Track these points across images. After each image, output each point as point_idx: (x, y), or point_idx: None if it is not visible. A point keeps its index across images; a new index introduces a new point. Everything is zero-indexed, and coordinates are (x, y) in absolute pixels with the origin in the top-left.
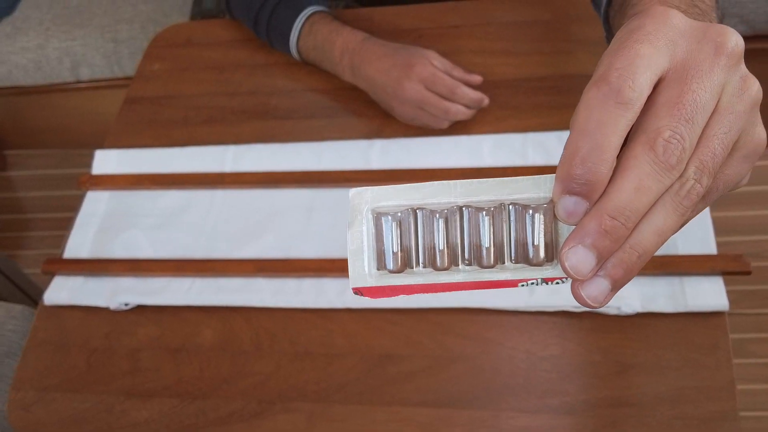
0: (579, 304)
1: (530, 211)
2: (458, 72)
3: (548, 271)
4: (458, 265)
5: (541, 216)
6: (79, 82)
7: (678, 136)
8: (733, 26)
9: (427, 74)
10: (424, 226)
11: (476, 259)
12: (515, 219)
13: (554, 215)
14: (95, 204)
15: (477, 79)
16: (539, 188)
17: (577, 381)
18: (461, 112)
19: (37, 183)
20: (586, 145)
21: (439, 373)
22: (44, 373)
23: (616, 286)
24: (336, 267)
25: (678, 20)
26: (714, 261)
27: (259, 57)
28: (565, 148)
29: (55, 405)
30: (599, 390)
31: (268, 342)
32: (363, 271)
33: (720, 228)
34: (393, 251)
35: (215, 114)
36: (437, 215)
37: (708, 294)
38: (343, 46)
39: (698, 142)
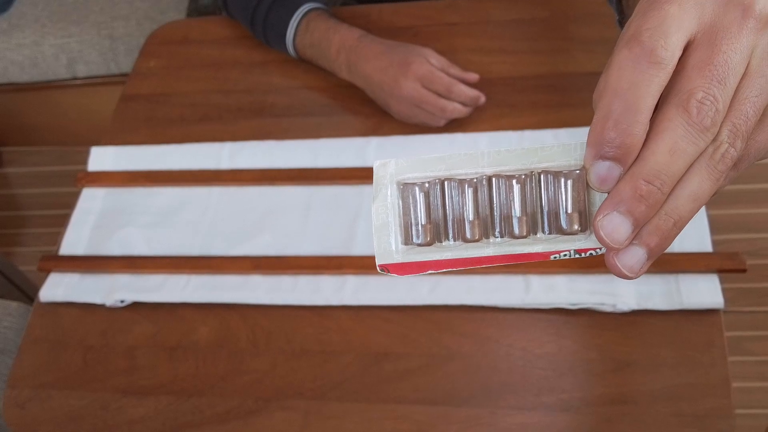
0: (574, 303)
1: (562, 179)
2: (455, 70)
3: (581, 242)
4: (489, 238)
5: (574, 183)
6: (75, 79)
7: (711, 98)
8: None
9: (424, 72)
10: (452, 197)
11: (508, 230)
12: (546, 188)
13: (586, 183)
14: (91, 201)
15: (473, 77)
16: (570, 155)
17: (573, 378)
18: (458, 110)
19: (34, 180)
20: (620, 107)
21: (435, 370)
22: (40, 371)
23: (652, 254)
24: (332, 264)
25: None
26: (710, 259)
27: (256, 55)
28: (596, 112)
29: (51, 402)
30: (595, 387)
31: (265, 340)
32: (390, 247)
33: (716, 226)
34: (421, 224)
35: (211, 111)
36: (466, 185)
37: (703, 292)
38: (339, 44)
39: (730, 105)
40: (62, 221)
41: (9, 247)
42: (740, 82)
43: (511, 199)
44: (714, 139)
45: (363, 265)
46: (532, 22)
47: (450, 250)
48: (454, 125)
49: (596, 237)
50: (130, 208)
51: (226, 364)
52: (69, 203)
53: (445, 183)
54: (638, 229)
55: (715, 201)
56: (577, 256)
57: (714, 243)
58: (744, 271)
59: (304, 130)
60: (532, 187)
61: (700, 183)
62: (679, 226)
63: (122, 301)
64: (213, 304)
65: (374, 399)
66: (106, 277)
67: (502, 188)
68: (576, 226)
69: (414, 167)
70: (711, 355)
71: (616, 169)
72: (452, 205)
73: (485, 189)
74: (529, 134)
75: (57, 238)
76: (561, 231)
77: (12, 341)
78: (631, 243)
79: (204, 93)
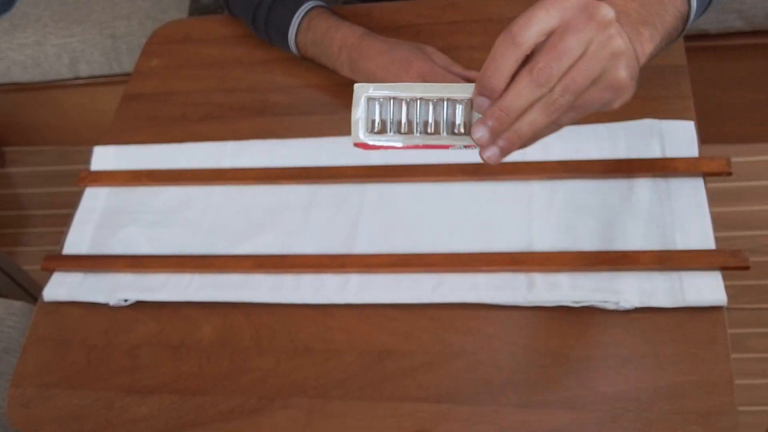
0: (578, 301)
1: (457, 104)
2: (457, 68)
3: (466, 140)
4: (414, 133)
5: (463, 107)
6: (77, 78)
7: (548, 67)
8: (732, 22)
9: (426, 70)
10: (394, 108)
11: (425, 129)
12: (448, 108)
13: (471, 107)
14: (94, 201)
15: (476, 75)
16: (465, 91)
17: (576, 376)
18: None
19: (36, 180)
20: (491, 68)
21: (438, 368)
22: (44, 370)
23: (503, 152)
24: (335, 263)
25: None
26: (712, 256)
27: (258, 53)
28: (482, 68)
29: (54, 401)
30: (598, 385)
31: (268, 338)
32: (358, 133)
33: (718, 223)
34: (376, 121)
35: (213, 110)
36: (403, 102)
37: (706, 289)
38: (341, 42)
39: (566, 74)
40: (65, 220)
41: (12, 246)
42: (579, 60)
43: (428, 112)
44: (550, 92)
45: (366, 263)
46: None
47: (392, 137)
48: None
49: (472, 138)
50: (132, 207)
51: (230, 362)
52: (72, 203)
53: (392, 100)
54: (495, 137)
55: (717, 198)
56: (463, 149)
57: (717, 240)
58: (747, 268)
59: (307, 129)
60: (441, 108)
61: (536, 116)
62: (521, 138)
63: (125, 301)
64: (216, 303)
65: (377, 397)
66: (109, 276)
67: (423, 106)
68: (463, 131)
69: (382, 88)
70: (714, 352)
71: (486, 101)
72: (394, 112)
73: (415, 105)
74: None
75: (60, 237)
76: (454, 134)
77: (16, 340)
78: (490, 143)
79: (206, 92)
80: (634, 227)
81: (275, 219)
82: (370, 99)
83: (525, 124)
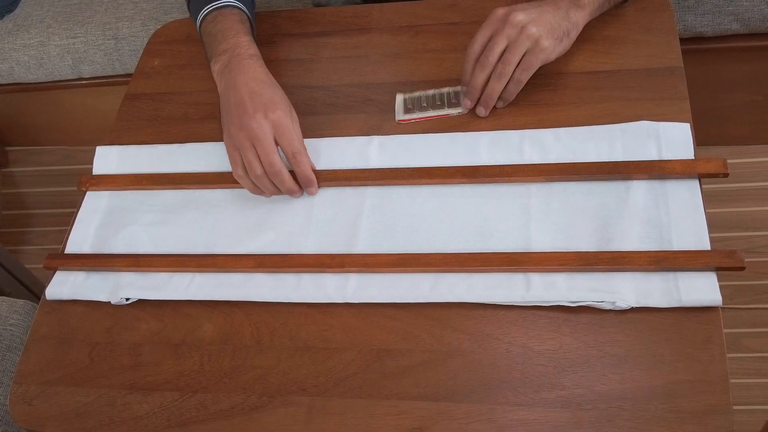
0: (575, 300)
1: (461, 92)
2: (303, 158)
3: (460, 110)
4: (428, 110)
5: (461, 91)
6: (80, 79)
7: (485, 57)
8: (728, 24)
9: (284, 124)
10: (422, 99)
11: (433, 104)
12: (455, 93)
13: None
14: (96, 200)
15: (307, 175)
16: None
17: (572, 375)
18: (285, 179)
19: (39, 179)
20: (464, 71)
21: (436, 367)
22: (46, 368)
23: (486, 107)
24: (335, 263)
25: (499, 13)
26: (708, 257)
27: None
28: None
29: (57, 399)
30: (594, 384)
31: (269, 337)
32: (401, 111)
33: (714, 224)
34: (408, 106)
35: (215, 110)
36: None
37: (702, 289)
38: (232, 45)
39: (502, 56)
40: (68, 220)
41: (15, 245)
42: (509, 47)
43: (434, 99)
44: (495, 67)
45: (365, 263)
46: None
47: (416, 113)
48: (455, 125)
49: (463, 106)
50: (135, 206)
51: (231, 360)
52: (74, 202)
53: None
54: (474, 103)
55: (713, 199)
56: (457, 114)
57: (712, 240)
58: (742, 268)
59: (307, 129)
60: (455, 92)
61: (493, 84)
62: (492, 98)
63: (127, 299)
64: (217, 302)
65: (376, 395)
66: (111, 275)
67: (447, 95)
68: (460, 102)
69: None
70: (709, 351)
71: (464, 87)
72: (419, 101)
73: (443, 93)
74: (529, 133)
75: (63, 236)
76: (453, 106)
77: (18, 338)
78: (473, 106)
79: (208, 92)
80: (630, 228)
81: (277, 219)
82: (405, 98)
83: (489, 90)
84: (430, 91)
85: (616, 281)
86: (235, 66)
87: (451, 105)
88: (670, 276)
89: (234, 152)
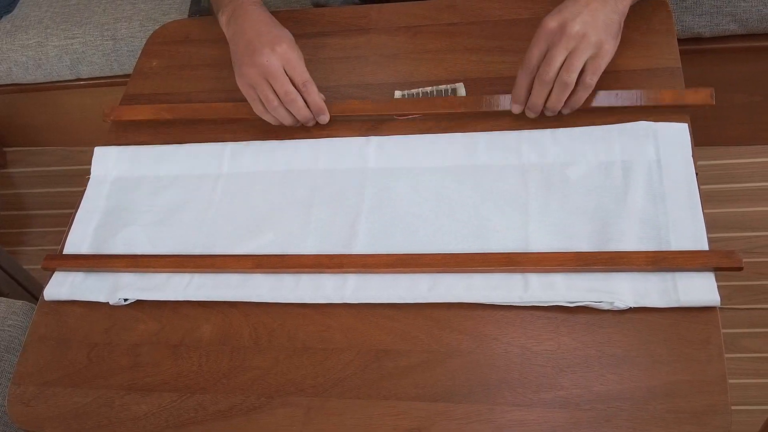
0: (573, 301)
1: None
2: (312, 87)
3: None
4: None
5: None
6: (78, 79)
7: (545, 72)
8: (726, 25)
9: (291, 57)
10: (419, 96)
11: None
12: (452, 89)
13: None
14: (95, 201)
15: (317, 103)
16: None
17: (571, 375)
18: (300, 105)
19: (38, 180)
20: (517, 89)
21: (435, 367)
22: (44, 368)
23: (552, 113)
24: (334, 263)
25: (552, 24)
26: (706, 257)
27: None
28: (513, 89)
29: (55, 400)
30: (593, 384)
31: (267, 337)
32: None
33: (712, 224)
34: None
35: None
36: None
37: (700, 290)
38: None
39: (566, 63)
40: (66, 220)
41: (13, 246)
42: (569, 56)
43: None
44: (558, 76)
45: (364, 263)
46: (531, 22)
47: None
48: (453, 125)
49: (514, 111)
50: (133, 206)
51: (229, 361)
52: (73, 203)
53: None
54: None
55: (711, 199)
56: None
57: (710, 241)
58: (740, 269)
59: (306, 130)
60: (452, 88)
61: (558, 96)
62: (556, 109)
63: (126, 300)
64: (216, 302)
65: (375, 395)
66: (109, 275)
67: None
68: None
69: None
70: (707, 352)
71: (519, 108)
72: (422, 95)
73: (440, 89)
74: (527, 134)
75: (61, 237)
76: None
77: (17, 339)
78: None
79: (205, 92)
80: (628, 228)
81: (275, 219)
82: (403, 95)
83: (554, 101)
84: (428, 88)
85: (614, 281)
86: (240, 14)
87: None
88: (668, 276)
89: (249, 90)
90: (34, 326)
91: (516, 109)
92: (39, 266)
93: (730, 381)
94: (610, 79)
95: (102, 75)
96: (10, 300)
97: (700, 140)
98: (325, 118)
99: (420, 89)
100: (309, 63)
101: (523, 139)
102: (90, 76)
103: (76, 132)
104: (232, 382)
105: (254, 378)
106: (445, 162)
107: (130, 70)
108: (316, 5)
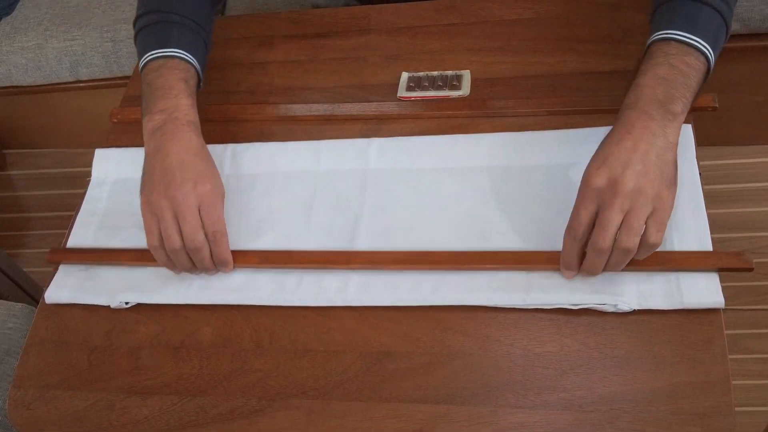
0: (575, 303)
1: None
2: (222, 240)
3: (461, 93)
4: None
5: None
6: (78, 81)
7: (600, 240)
8: None
9: (210, 200)
10: (425, 79)
11: (441, 84)
12: (457, 76)
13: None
14: (96, 202)
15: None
16: None
17: (574, 377)
18: (205, 256)
19: (37, 182)
20: (566, 257)
21: (437, 369)
22: (45, 371)
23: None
24: (341, 259)
25: (599, 182)
26: (710, 258)
27: (257, 56)
28: (561, 255)
29: (55, 403)
30: (596, 386)
31: (268, 339)
32: (403, 88)
33: (716, 225)
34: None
35: (213, 112)
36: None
37: (704, 291)
38: (173, 106)
39: (624, 224)
40: (66, 223)
41: (13, 248)
42: (626, 217)
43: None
44: (617, 241)
45: (369, 259)
46: (532, 22)
47: (424, 91)
48: (454, 126)
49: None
50: (134, 209)
51: (230, 363)
52: (73, 205)
53: (427, 73)
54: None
55: (714, 200)
56: (459, 96)
57: (714, 241)
58: (750, 269)
59: (307, 132)
60: (458, 75)
61: (616, 259)
62: (617, 269)
63: (126, 303)
64: (216, 305)
65: (376, 398)
66: (110, 278)
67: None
68: (461, 85)
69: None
70: (711, 353)
71: (572, 273)
72: (427, 79)
73: (446, 75)
74: (529, 135)
75: (61, 239)
76: (454, 88)
77: (17, 342)
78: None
79: (204, 94)
80: None
81: (276, 220)
82: (409, 77)
83: (613, 266)
84: (434, 72)
85: (617, 283)
86: (169, 130)
87: (452, 87)
88: (672, 277)
89: (151, 220)
90: (34, 329)
91: (569, 276)
92: (39, 269)
93: (734, 382)
94: (613, 79)
95: (102, 77)
96: (10, 302)
97: (702, 140)
98: (227, 270)
99: (426, 73)
100: (309, 64)
101: (525, 140)
102: (90, 78)
103: (76, 134)
104: (233, 385)
105: (255, 380)
106: (446, 163)
107: (129, 72)
108: (316, 7)
